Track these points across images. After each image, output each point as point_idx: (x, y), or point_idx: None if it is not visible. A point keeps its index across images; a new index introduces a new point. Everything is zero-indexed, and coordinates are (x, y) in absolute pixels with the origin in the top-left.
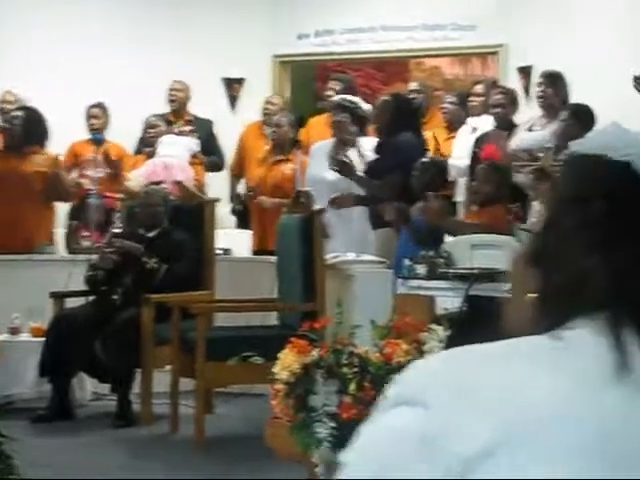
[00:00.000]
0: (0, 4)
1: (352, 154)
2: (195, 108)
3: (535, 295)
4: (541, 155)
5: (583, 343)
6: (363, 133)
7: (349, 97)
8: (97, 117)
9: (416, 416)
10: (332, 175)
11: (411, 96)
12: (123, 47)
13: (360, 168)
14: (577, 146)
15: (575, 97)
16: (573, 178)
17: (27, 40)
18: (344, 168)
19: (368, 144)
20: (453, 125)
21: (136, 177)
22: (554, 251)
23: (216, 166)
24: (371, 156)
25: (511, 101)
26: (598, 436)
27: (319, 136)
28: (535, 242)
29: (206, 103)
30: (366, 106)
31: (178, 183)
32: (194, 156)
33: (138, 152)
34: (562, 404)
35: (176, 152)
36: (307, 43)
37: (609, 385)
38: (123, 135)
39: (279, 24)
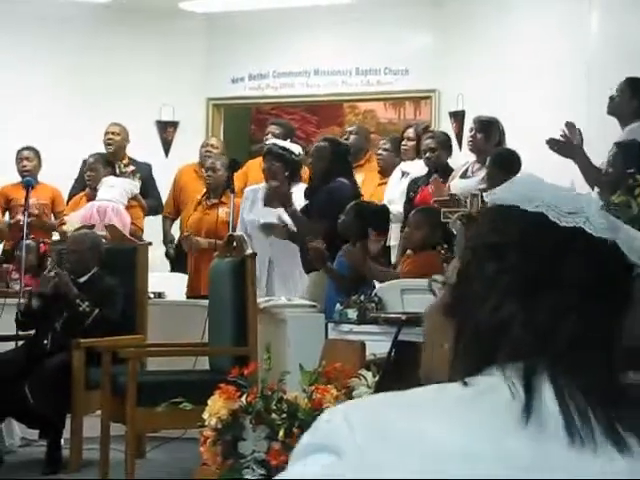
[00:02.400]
0: None
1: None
2: (130, 151)
3: (451, 345)
4: (468, 201)
5: (494, 390)
6: (296, 179)
7: (281, 143)
8: (29, 159)
9: (330, 463)
10: (267, 220)
11: (345, 137)
12: (59, 91)
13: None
14: (492, 196)
15: (508, 143)
16: (488, 228)
17: None
18: (279, 197)
19: (299, 191)
20: (386, 171)
21: (72, 220)
22: (471, 300)
23: (154, 210)
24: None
25: (442, 145)
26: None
27: (257, 179)
28: (451, 292)
29: (141, 146)
30: (298, 150)
31: (109, 226)
32: (133, 198)
33: (74, 193)
34: (467, 450)
35: (114, 195)
36: (241, 86)
37: (514, 429)
38: (58, 178)
39: (213, 67)
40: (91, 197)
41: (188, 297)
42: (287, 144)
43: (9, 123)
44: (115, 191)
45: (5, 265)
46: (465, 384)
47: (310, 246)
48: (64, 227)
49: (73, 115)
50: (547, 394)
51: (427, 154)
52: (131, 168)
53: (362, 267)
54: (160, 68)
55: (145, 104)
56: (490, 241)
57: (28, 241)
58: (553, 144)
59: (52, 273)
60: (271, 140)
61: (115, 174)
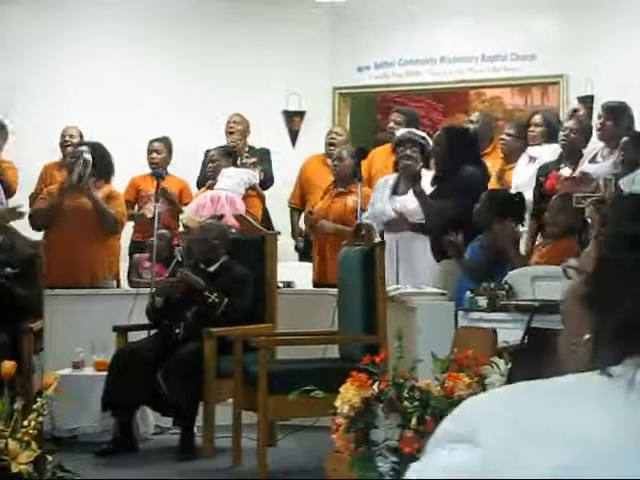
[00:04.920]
0: (65, 41)
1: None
2: (256, 141)
3: (589, 335)
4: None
5: (632, 379)
6: (427, 166)
7: (416, 131)
8: (158, 152)
9: (470, 455)
10: (394, 211)
11: (467, 126)
12: (186, 82)
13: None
14: (634, 186)
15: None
16: (628, 216)
17: (90, 76)
18: (411, 175)
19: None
20: (510, 156)
21: (187, 211)
22: (611, 291)
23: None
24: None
25: (582, 131)
26: None
27: (382, 168)
28: (589, 282)
29: (266, 136)
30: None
31: (239, 216)
32: (252, 188)
33: (200, 186)
34: (612, 440)
35: (231, 185)
36: (367, 75)
37: None
38: (186, 169)
39: (339, 56)
40: (212, 189)
41: (315, 284)
42: (419, 132)
43: (136, 113)
44: (232, 181)
45: (137, 255)
46: (609, 375)
47: (448, 239)
48: (181, 216)
49: (199, 106)
50: None
51: (564, 136)
52: (252, 159)
53: (508, 252)
54: (286, 58)
55: (271, 94)
56: (630, 230)
57: (164, 231)
58: None
59: (173, 279)
60: (403, 129)
61: (236, 165)
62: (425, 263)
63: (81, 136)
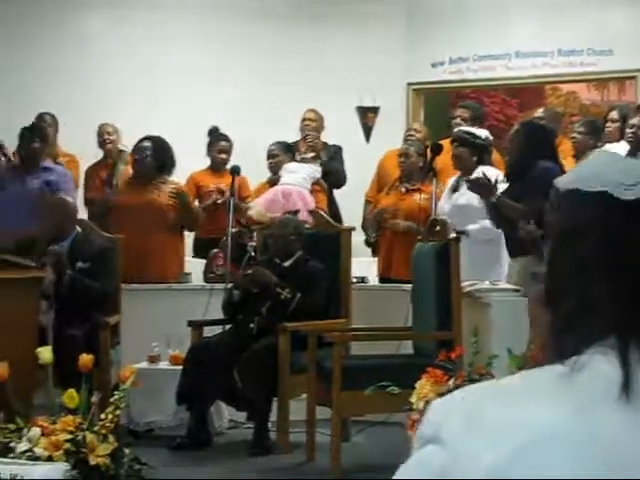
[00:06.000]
0: (126, 37)
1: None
2: (329, 137)
3: (546, 332)
4: None
5: (591, 367)
6: (485, 162)
7: (466, 128)
8: (227, 151)
9: (435, 454)
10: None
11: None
12: (257, 78)
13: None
14: (560, 181)
15: None
16: (561, 213)
17: (152, 70)
18: (482, 188)
19: (492, 172)
20: (582, 154)
21: (256, 206)
22: (560, 287)
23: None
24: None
25: None
26: (601, 460)
27: (450, 164)
28: (544, 281)
29: (340, 132)
30: (484, 134)
31: (313, 211)
32: (316, 183)
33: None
34: (563, 430)
35: (296, 180)
36: (441, 71)
37: (614, 409)
38: (251, 164)
39: (413, 52)
40: (273, 183)
41: (380, 279)
42: (472, 129)
43: (204, 109)
44: (298, 176)
45: (213, 251)
46: (563, 363)
47: (524, 229)
48: (249, 212)
49: (274, 102)
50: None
51: (631, 133)
52: (311, 154)
53: None
54: (360, 53)
55: (345, 90)
56: (564, 227)
57: (235, 229)
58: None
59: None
60: (458, 126)
61: (296, 160)
62: (499, 260)
63: (118, 132)
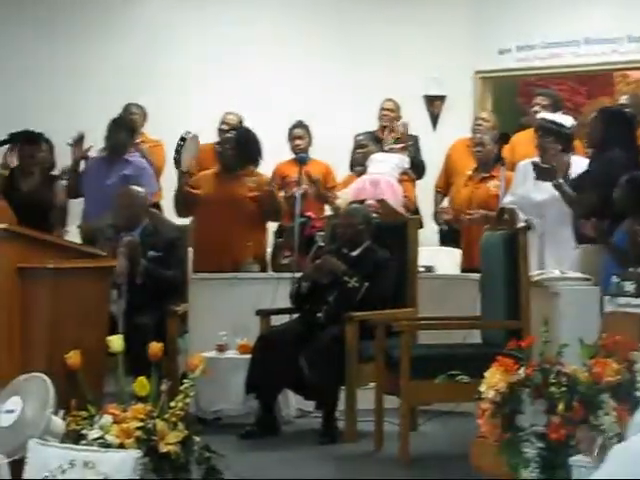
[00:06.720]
0: (213, 31)
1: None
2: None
3: None
4: None
5: None
6: (569, 150)
7: (550, 116)
8: (301, 137)
9: None
10: (539, 195)
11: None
12: (325, 66)
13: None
14: None
15: None
16: None
17: (234, 62)
18: (545, 172)
19: (576, 161)
20: None
21: (344, 195)
22: None
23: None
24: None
25: None
26: None
27: (524, 152)
28: None
29: (408, 120)
30: (569, 122)
31: (380, 201)
32: (404, 173)
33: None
34: None
35: (385, 170)
36: (508, 58)
37: None
38: (328, 153)
39: (480, 40)
40: (361, 174)
41: (463, 270)
42: (557, 117)
43: (273, 100)
44: (386, 165)
45: (279, 240)
46: None
47: (592, 223)
48: (337, 202)
49: (342, 90)
50: None
51: None
52: (399, 145)
53: None
54: (427, 41)
55: (412, 78)
56: None
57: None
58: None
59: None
60: (541, 114)
61: (383, 150)
62: (570, 248)
63: (240, 122)
